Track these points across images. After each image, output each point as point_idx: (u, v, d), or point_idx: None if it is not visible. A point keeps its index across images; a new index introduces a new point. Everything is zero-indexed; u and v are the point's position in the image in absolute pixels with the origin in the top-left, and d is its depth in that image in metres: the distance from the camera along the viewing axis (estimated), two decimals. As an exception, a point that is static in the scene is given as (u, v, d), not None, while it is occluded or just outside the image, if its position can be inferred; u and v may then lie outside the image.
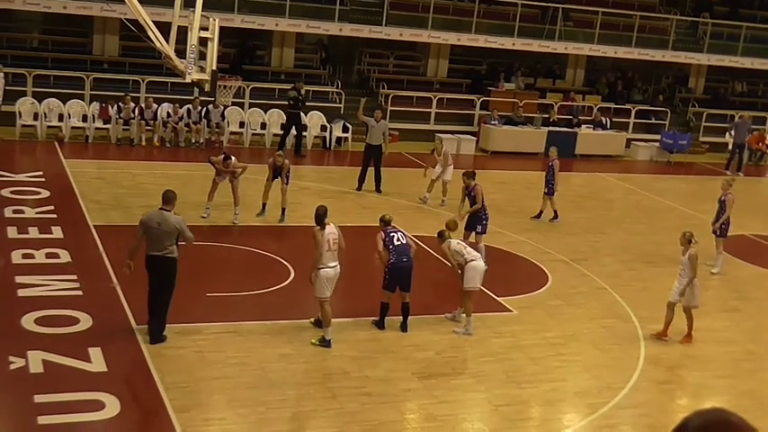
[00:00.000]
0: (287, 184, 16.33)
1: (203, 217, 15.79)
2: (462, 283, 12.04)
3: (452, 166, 19.06)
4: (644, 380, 11.18)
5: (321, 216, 11.13)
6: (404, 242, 11.81)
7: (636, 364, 11.61)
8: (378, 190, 19.31)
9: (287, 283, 13.29)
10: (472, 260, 12.08)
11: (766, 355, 12.71)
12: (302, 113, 22.96)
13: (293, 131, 22.77)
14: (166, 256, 10.37)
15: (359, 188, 19.33)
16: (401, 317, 11.91)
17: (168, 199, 10.60)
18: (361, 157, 19.65)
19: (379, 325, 11.87)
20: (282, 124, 22.99)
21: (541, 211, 18.32)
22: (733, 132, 27.12)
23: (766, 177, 27.47)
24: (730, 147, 27.31)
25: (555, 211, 18.25)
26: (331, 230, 11.18)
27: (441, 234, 12.43)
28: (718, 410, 2.54)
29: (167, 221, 10.37)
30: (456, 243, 12.37)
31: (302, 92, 23.10)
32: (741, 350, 12.76)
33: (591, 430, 9.90)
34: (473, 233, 14.86)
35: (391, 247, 11.69)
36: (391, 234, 11.80)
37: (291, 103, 22.65)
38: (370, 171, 19.29)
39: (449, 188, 18.76)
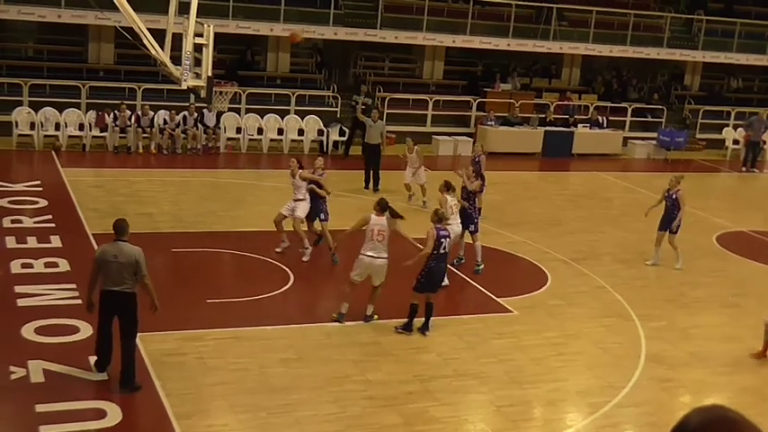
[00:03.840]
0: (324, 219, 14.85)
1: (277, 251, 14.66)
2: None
3: (424, 168, 18.80)
4: (645, 378, 11.18)
5: (381, 205, 11.86)
6: (446, 253, 11.88)
7: (637, 363, 11.61)
8: (375, 189, 19.40)
9: (287, 288, 13.29)
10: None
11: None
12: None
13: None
14: (125, 291, 9.41)
15: (366, 186, 19.81)
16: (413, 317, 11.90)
17: (121, 229, 9.61)
18: (359, 158, 19.75)
19: (407, 328, 11.85)
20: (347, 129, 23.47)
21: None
22: (748, 129, 27.18)
23: (764, 173, 27.47)
24: (743, 144, 27.39)
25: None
26: (379, 222, 11.58)
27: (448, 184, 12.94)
28: (718, 407, 2.53)
29: (124, 252, 9.42)
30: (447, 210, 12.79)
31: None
32: (742, 346, 12.74)
33: (593, 429, 9.90)
34: (467, 232, 14.77)
35: (435, 252, 11.67)
36: (441, 239, 11.72)
37: (364, 108, 22.88)
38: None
39: (427, 188, 18.44)
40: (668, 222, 15.59)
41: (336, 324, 12.01)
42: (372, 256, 11.68)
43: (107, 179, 19.37)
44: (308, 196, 14.42)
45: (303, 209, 14.41)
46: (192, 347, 10.81)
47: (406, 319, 11.85)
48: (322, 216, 14.57)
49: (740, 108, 29.98)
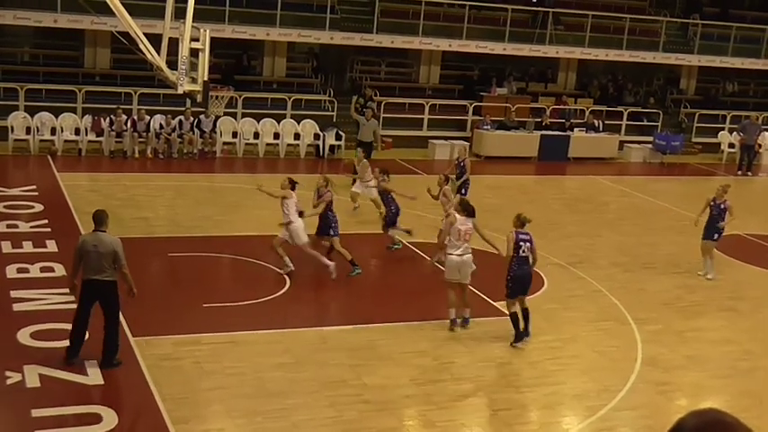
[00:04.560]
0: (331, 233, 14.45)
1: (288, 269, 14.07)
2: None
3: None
4: (642, 381, 11.18)
5: (464, 205, 12.50)
6: (527, 255, 11.89)
7: (633, 366, 11.61)
8: None
9: (283, 292, 13.27)
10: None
11: (764, 355, 12.72)
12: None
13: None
14: (105, 279, 9.92)
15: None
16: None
17: (100, 220, 10.15)
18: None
19: (519, 338, 11.89)
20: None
21: None
22: (742, 133, 27.26)
23: (760, 177, 27.52)
24: (738, 148, 27.46)
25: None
26: (465, 222, 12.12)
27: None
28: (713, 411, 2.53)
29: (103, 242, 9.95)
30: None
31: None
32: (738, 350, 12.76)
33: (590, 433, 9.89)
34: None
35: (515, 255, 11.77)
36: (520, 242, 11.79)
37: (357, 108, 23.15)
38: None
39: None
40: (712, 231, 15.51)
41: (330, 328, 12.00)
42: (461, 255, 12.15)
43: (103, 184, 19.36)
44: (296, 217, 13.73)
45: (301, 232, 13.80)
46: (189, 352, 10.79)
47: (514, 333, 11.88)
48: (332, 232, 14.26)
49: (736, 112, 30.07)
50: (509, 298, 11.96)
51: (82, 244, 10.13)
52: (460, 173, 17.64)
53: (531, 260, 11.92)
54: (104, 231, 10.12)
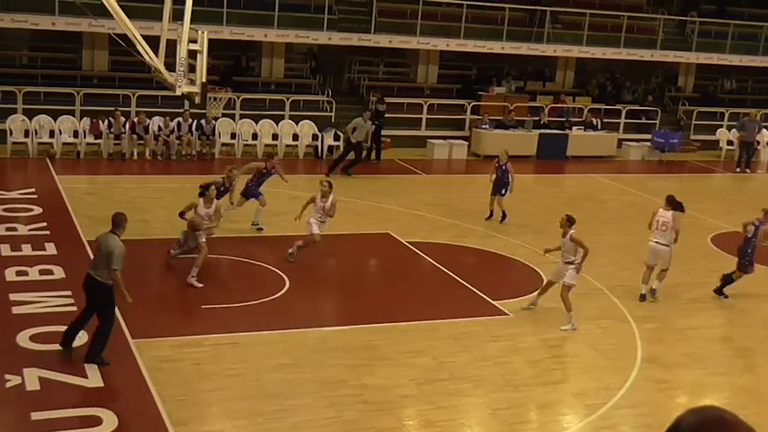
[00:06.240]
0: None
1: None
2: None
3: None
4: (641, 379, 11.19)
5: (669, 200, 13.99)
6: None
7: (633, 364, 11.62)
8: (328, 173, 20.34)
9: (282, 293, 13.28)
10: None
11: (763, 352, 12.74)
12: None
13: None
14: (95, 277, 10.10)
15: (328, 173, 20.41)
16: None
17: (115, 222, 10.36)
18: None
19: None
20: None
21: (492, 212, 18.24)
22: (741, 131, 27.25)
23: (758, 174, 27.53)
24: (736, 145, 27.47)
25: (504, 212, 18.18)
26: (665, 215, 13.95)
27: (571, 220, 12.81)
28: (713, 408, 2.53)
29: (106, 243, 10.15)
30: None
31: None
32: (738, 347, 12.78)
33: (589, 431, 9.90)
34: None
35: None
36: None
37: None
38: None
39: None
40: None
41: (329, 329, 12.01)
42: (658, 242, 13.86)
43: (102, 186, 19.36)
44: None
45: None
46: (188, 353, 10.79)
47: None
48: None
49: (734, 109, 30.06)
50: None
51: (96, 239, 10.64)
52: (502, 176, 17.99)
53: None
54: (116, 234, 10.29)
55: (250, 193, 16.30)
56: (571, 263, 12.60)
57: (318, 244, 14.55)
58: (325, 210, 14.52)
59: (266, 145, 23.49)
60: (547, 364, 11.50)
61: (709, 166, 27.46)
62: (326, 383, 10.32)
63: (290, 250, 14.43)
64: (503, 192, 18.06)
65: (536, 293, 13.26)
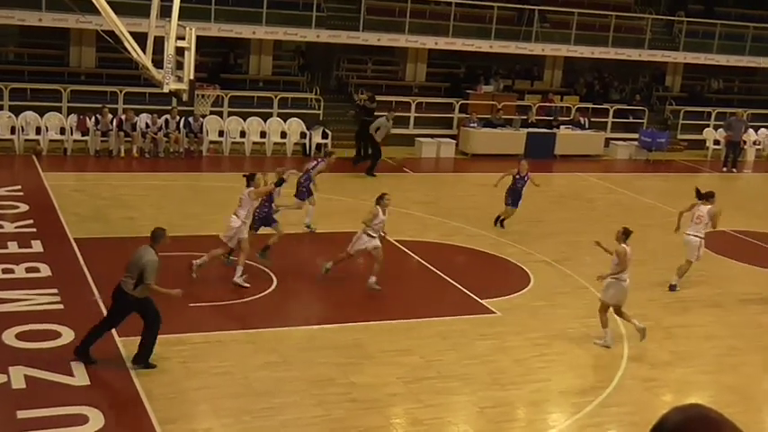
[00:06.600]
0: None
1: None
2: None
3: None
4: (628, 378, 11.24)
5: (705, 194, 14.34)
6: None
7: (620, 363, 11.66)
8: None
9: (269, 291, 13.26)
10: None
11: (749, 350, 12.80)
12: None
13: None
14: (121, 285, 10.08)
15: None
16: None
17: (153, 236, 10.37)
18: (344, 162, 19.91)
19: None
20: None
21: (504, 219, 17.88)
22: (728, 130, 27.38)
23: (745, 173, 27.66)
24: (723, 144, 27.60)
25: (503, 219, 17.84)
26: (702, 209, 14.38)
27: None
28: (697, 406, 2.53)
29: (139, 255, 10.09)
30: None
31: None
32: (724, 345, 12.84)
33: (576, 430, 9.93)
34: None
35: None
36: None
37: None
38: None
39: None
40: None
41: (317, 327, 12.00)
42: (690, 234, 14.69)
43: (89, 183, 19.28)
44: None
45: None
46: (176, 352, 10.76)
47: None
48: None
49: (721, 109, 30.18)
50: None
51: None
52: (521, 187, 17.43)
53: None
54: (153, 247, 10.19)
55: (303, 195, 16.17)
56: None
57: (309, 243, 14.51)
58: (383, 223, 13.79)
59: (254, 143, 23.45)
60: (534, 362, 11.53)
61: (696, 166, 27.57)
62: (314, 382, 10.32)
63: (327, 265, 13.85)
64: (519, 203, 17.48)
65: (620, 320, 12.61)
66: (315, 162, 16.81)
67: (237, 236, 13.36)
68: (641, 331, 12.10)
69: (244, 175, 13.82)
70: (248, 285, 13.14)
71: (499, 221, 17.69)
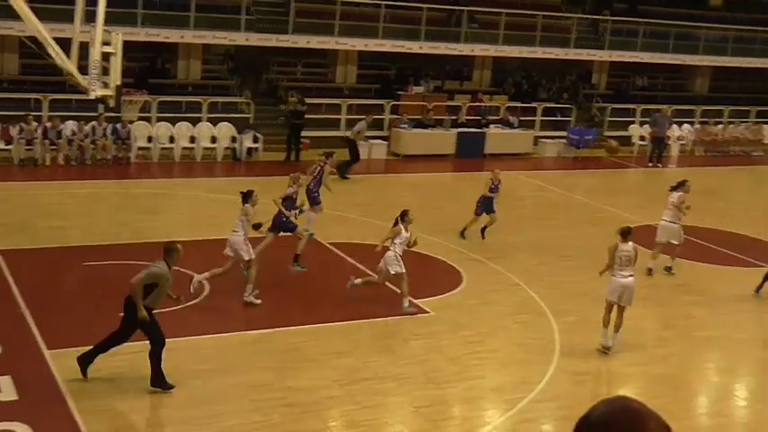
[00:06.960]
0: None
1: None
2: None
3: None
4: (560, 372, 11.43)
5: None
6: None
7: (551, 358, 11.85)
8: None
9: (203, 298, 13.12)
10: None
11: (676, 341, 13.14)
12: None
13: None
14: (130, 296, 10.13)
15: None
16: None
17: (166, 250, 10.35)
18: (275, 166, 19.78)
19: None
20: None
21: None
22: (653, 126, 28.01)
23: (669, 168, 28.33)
24: (649, 140, 28.23)
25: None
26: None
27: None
28: (622, 398, 2.62)
29: (149, 267, 10.23)
30: None
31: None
32: (653, 337, 13.15)
33: (510, 425, 10.08)
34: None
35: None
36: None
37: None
38: None
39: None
40: None
41: (253, 332, 11.94)
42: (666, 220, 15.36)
43: (14, 193, 18.83)
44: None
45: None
46: (107, 363, 10.57)
47: None
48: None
49: (646, 105, 30.87)
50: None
51: None
52: (492, 192, 17.54)
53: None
54: (166, 261, 10.21)
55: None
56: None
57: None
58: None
59: (184, 148, 23.19)
60: (467, 360, 11.65)
61: (623, 162, 28.14)
62: (252, 387, 10.27)
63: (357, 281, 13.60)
64: (494, 209, 17.52)
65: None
66: (318, 167, 16.63)
67: (247, 248, 12.94)
68: (605, 349, 12.16)
69: (241, 192, 13.41)
70: (260, 302, 12.94)
71: (481, 231, 17.51)
